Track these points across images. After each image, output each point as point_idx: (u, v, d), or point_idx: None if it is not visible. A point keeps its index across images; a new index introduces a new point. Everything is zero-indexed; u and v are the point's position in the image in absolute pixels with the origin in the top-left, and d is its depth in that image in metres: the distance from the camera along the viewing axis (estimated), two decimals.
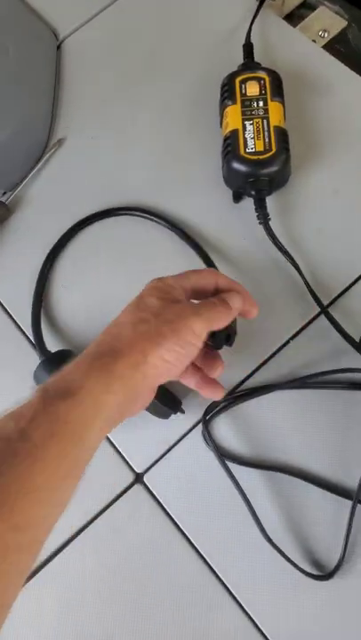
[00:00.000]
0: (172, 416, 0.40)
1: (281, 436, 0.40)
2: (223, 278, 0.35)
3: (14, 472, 0.24)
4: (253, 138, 0.43)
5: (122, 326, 0.31)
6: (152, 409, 0.39)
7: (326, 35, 0.53)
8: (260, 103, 0.44)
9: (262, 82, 0.45)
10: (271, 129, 0.43)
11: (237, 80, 0.46)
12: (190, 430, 0.40)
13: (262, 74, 0.46)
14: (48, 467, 0.25)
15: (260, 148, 0.43)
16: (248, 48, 0.49)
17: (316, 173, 0.46)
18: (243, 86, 0.45)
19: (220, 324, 0.33)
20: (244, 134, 0.43)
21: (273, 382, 0.40)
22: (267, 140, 0.43)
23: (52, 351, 0.42)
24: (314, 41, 0.53)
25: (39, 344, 0.42)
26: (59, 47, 0.54)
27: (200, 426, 0.40)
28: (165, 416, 0.39)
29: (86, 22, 0.55)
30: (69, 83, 0.53)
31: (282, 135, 0.44)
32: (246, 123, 0.44)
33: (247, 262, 0.44)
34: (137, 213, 0.46)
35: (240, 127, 0.44)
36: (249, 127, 0.44)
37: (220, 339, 0.35)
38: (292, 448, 0.39)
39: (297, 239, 0.44)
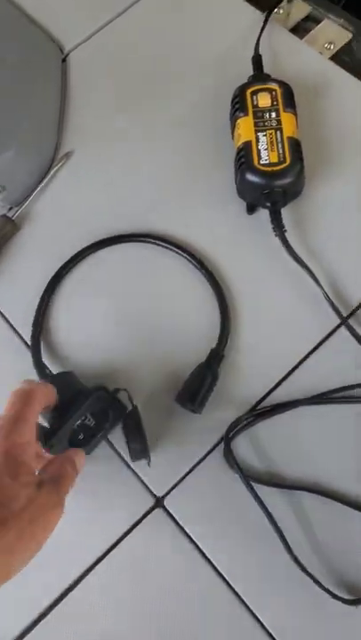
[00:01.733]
0: (178, 442, 0.38)
1: (306, 453, 0.38)
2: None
3: None
4: (267, 149, 0.43)
5: None
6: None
7: (332, 47, 0.53)
8: (273, 114, 0.44)
9: (274, 93, 0.45)
10: (285, 140, 0.43)
11: (248, 91, 0.45)
12: (211, 450, 0.38)
13: (273, 85, 0.45)
14: None
15: (275, 159, 0.42)
16: (257, 60, 0.49)
17: (331, 183, 0.46)
18: (254, 98, 0.45)
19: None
20: (257, 146, 0.43)
21: (294, 398, 0.39)
22: (281, 151, 0.42)
23: (53, 372, 0.40)
24: (320, 53, 0.53)
25: (38, 365, 0.41)
26: (64, 60, 0.53)
27: (221, 445, 0.38)
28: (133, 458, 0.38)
29: (92, 35, 0.54)
30: (76, 96, 0.52)
31: (296, 146, 0.43)
32: (259, 134, 0.43)
33: (263, 275, 0.43)
34: (147, 240, 0.45)
35: (253, 139, 0.43)
36: (262, 139, 0.43)
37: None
38: (318, 466, 0.38)
39: (313, 250, 0.43)
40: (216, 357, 0.40)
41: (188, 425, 0.39)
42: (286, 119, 0.44)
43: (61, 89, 0.52)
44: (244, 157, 0.43)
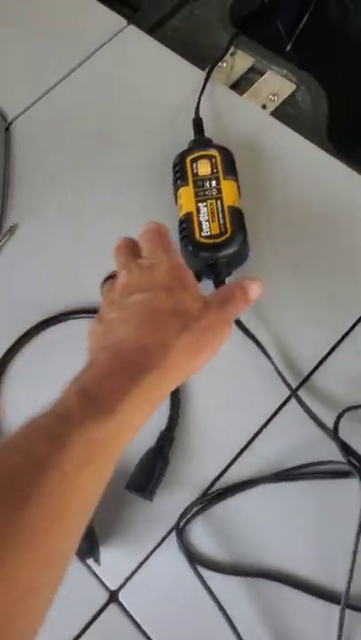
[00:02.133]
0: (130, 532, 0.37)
1: (261, 535, 0.37)
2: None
3: (45, 505, 0.22)
4: (208, 220, 0.42)
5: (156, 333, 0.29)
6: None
7: (276, 98, 0.53)
8: (213, 183, 0.43)
9: (213, 160, 0.44)
10: (225, 210, 0.42)
11: (188, 159, 0.45)
12: (165, 538, 0.37)
13: (213, 152, 0.45)
14: (80, 498, 0.23)
15: (216, 230, 0.42)
16: (198, 123, 0.48)
17: (276, 247, 0.45)
18: (194, 165, 0.44)
19: (166, 240, 0.35)
20: (198, 217, 0.42)
21: (248, 478, 0.38)
22: (222, 221, 0.42)
23: None
24: (264, 106, 0.52)
25: None
26: (7, 129, 0.53)
27: (175, 532, 0.37)
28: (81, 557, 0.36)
29: (35, 102, 0.54)
30: (20, 166, 0.51)
31: (237, 214, 0.42)
32: (200, 205, 0.43)
33: None
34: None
35: (194, 210, 0.42)
36: (203, 209, 0.42)
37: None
38: (274, 548, 0.37)
39: (262, 319, 0.43)
40: (166, 440, 0.39)
41: (139, 512, 0.38)
42: (227, 187, 0.43)
43: (5, 159, 0.51)
44: (185, 230, 0.42)
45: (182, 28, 0.57)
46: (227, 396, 0.41)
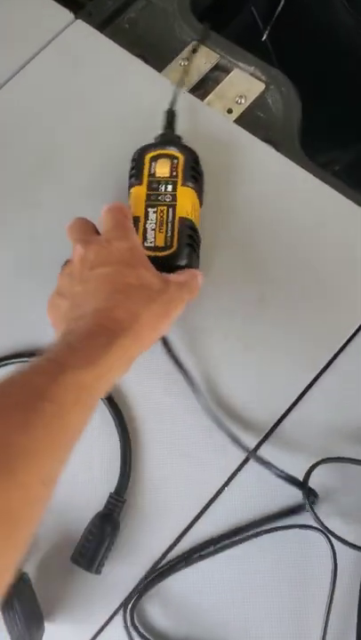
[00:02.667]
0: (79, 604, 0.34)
1: (221, 609, 0.34)
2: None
3: (44, 430, 0.25)
4: (155, 229, 0.37)
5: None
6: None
7: (243, 100, 0.47)
8: (169, 187, 0.38)
9: (175, 161, 0.39)
10: (176, 220, 0.37)
11: (148, 156, 0.40)
12: (115, 614, 0.34)
13: (176, 152, 0.39)
14: (69, 432, 0.27)
15: (161, 242, 0.37)
16: (170, 115, 0.42)
17: (235, 274, 0.40)
18: (153, 164, 0.39)
19: (128, 220, 0.36)
20: (145, 224, 0.37)
21: (204, 540, 0.34)
22: (169, 233, 0.37)
23: None
24: (230, 110, 0.47)
25: None
26: None
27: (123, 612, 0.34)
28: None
29: None
30: None
31: (188, 229, 0.37)
32: (149, 210, 0.37)
33: (165, 405, 0.38)
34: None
35: (142, 214, 0.38)
36: (152, 216, 0.37)
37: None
38: (234, 622, 0.33)
39: (218, 365, 0.38)
40: (116, 504, 0.35)
41: (87, 587, 0.34)
42: (183, 195, 0.38)
43: None
44: None
45: (139, 21, 0.51)
46: (182, 455, 0.36)
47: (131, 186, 0.40)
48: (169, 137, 0.42)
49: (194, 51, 0.48)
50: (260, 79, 0.47)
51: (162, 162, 0.39)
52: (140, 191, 0.39)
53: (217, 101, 0.47)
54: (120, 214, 0.36)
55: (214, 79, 0.49)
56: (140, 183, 0.39)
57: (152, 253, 0.37)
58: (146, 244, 0.37)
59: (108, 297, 0.31)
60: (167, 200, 0.38)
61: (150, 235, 0.37)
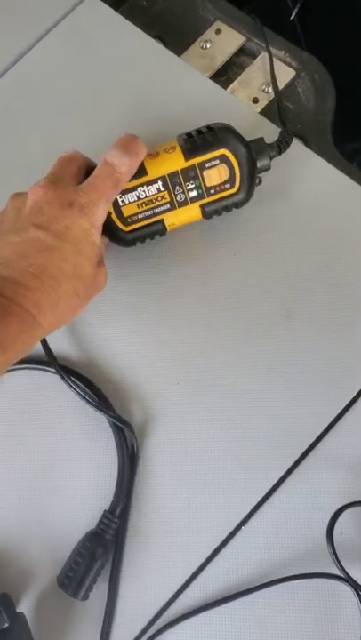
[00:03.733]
0: None
1: None
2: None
3: None
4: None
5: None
6: None
7: (270, 89, 0.42)
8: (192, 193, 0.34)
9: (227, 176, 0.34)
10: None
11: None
12: None
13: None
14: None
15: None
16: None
17: (262, 288, 0.36)
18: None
19: (116, 190, 0.32)
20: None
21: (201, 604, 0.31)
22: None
23: None
24: (255, 100, 0.42)
25: None
26: None
27: None
28: None
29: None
30: None
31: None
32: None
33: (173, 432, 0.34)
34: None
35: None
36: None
37: None
38: None
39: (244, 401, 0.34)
40: (109, 524, 0.32)
41: (87, 625, 0.32)
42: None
43: None
44: None
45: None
46: (196, 484, 0.33)
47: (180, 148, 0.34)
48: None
49: (217, 32, 0.44)
50: (290, 65, 0.42)
51: (219, 168, 0.34)
52: (179, 161, 0.33)
53: (241, 89, 0.42)
54: (116, 179, 0.32)
55: (239, 64, 0.44)
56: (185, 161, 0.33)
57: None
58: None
59: (37, 275, 0.29)
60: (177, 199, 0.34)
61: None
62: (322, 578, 0.29)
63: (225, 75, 0.44)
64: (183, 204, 0.34)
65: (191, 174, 0.34)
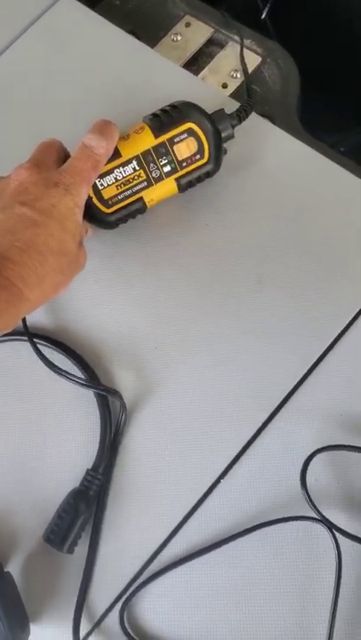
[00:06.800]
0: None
1: (220, 607, 0.31)
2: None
3: None
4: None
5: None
6: None
7: (239, 75, 0.45)
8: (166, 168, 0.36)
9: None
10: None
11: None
12: (101, 620, 0.32)
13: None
14: None
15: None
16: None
17: (235, 254, 0.38)
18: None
19: (95, 172, 0.34)
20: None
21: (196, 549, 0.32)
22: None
23: None
24: (225, 85, 0.45)
25: None
26: None
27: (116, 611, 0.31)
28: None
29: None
30: None
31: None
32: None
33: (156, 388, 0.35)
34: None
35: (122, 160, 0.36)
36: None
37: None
38: (236, 620, 0.31)
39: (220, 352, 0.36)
40: (92, 481, 0.33)
41: (74, 584, 0.32)
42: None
43: None
44: None
45: None
46: (178, 438, 0.34)
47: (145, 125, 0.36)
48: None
49: (187, 25, 0.47)
50: (256, 52, 0.45)
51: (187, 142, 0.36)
52: (150, 139, 0.35)
53: (211, 76, 0.45)
54: (95, 160, 0.33)
55: (208, 54, 0.46)
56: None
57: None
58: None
59: (24, 250, 0.29)
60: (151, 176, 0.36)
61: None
62: (298, 520, 0.31)
63: (195, 64, 0.46)
64: (159, 179, 0.36)
65: (163, 150, 0.36)
